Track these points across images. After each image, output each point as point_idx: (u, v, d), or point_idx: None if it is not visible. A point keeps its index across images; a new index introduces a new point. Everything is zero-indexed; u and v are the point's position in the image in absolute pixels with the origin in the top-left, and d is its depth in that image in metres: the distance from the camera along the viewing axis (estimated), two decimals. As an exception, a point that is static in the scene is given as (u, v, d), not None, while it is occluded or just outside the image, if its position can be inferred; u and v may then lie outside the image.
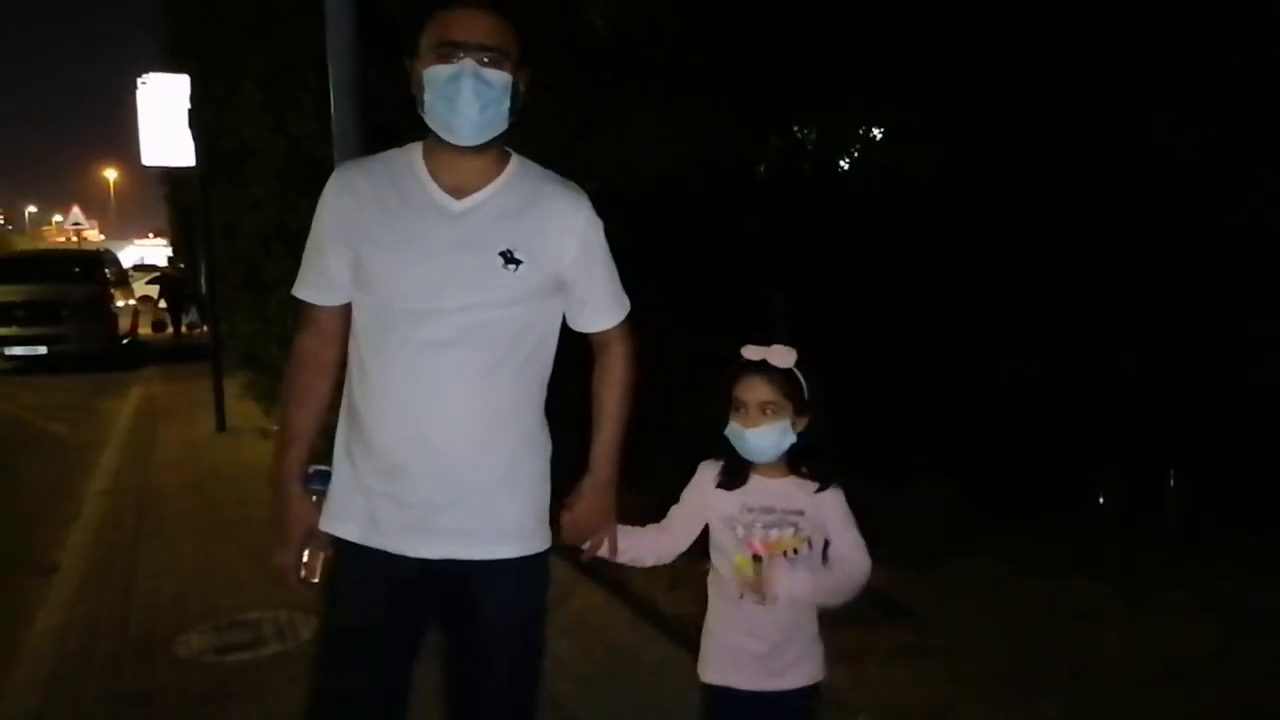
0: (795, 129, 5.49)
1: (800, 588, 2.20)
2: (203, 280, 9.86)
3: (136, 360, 15.16)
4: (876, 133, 5.68)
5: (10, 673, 3.97)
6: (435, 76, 1.91)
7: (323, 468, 2.12)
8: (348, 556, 2.05)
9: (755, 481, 2.25)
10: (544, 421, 2.11)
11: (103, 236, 55.47)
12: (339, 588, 2.08)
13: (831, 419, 2.27)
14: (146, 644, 4.14)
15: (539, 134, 5.13)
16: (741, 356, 2.24)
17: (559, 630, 4.13)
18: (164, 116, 9.37)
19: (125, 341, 16.59)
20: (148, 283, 27.14)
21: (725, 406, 2.25)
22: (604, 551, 2.25)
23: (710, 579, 2.32)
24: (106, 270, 17.19)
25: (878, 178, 5.48)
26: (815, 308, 5.91)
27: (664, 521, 2.35)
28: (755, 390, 2.19)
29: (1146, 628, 4.20)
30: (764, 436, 2.19)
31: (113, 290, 16.42)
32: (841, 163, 5.86)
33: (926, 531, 5.41)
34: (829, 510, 2.24)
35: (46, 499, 7.05)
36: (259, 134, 6.37)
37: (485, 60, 1.91)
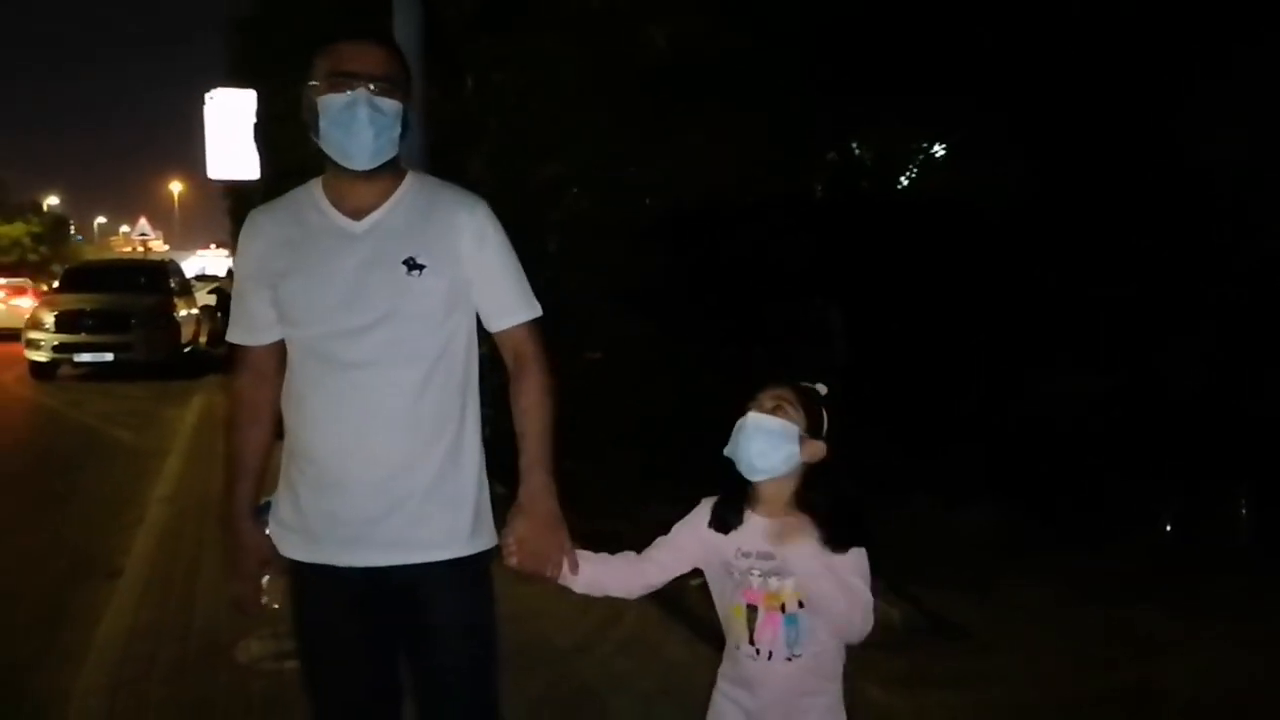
0: (854, 146, 5.47)
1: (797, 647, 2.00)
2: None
3: (198, 369, 15.47)
4: (939, 149, 5.63)
5: (79, 675, 4.07)
6: (330, 105, 2.00)
7: (271, 499, 2.21)
8: (299, 575, 2.14)
9: (754, 522, 2.07)
10: (477, 427, 2.16)
11: (167, 247, 56.81)
12: (299, 606, 2.18)
13: (846, 464, 2.08)
14: (208, 649, 4.21)
15: (600, 150, 5.23)
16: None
17: (617, 647, 4.15)
18: (229, 131, 9.62)
19: (188, 350, 16.95)
20: (209, 292, 27.75)
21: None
22: (564, 576, 2.13)
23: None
24: (171, 280, 17.60)
25: (935, 193, 5.42)
26: (871, 324, 5.85)
27: (646, 551, 2.20)
28: (773, 388, 2.08)
29: (1212, 658, 4.08)
30: (767, 429, 2.01)
31: (177, 300, 16.81)
32: (901, 179, 5.81)
33: (980, 551, 5.32)
34: (842, 570, 1.99)
35: (112, 504, 7.22)
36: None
37: (376, 89, 2.01)
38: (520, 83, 4.72)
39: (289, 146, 8.68)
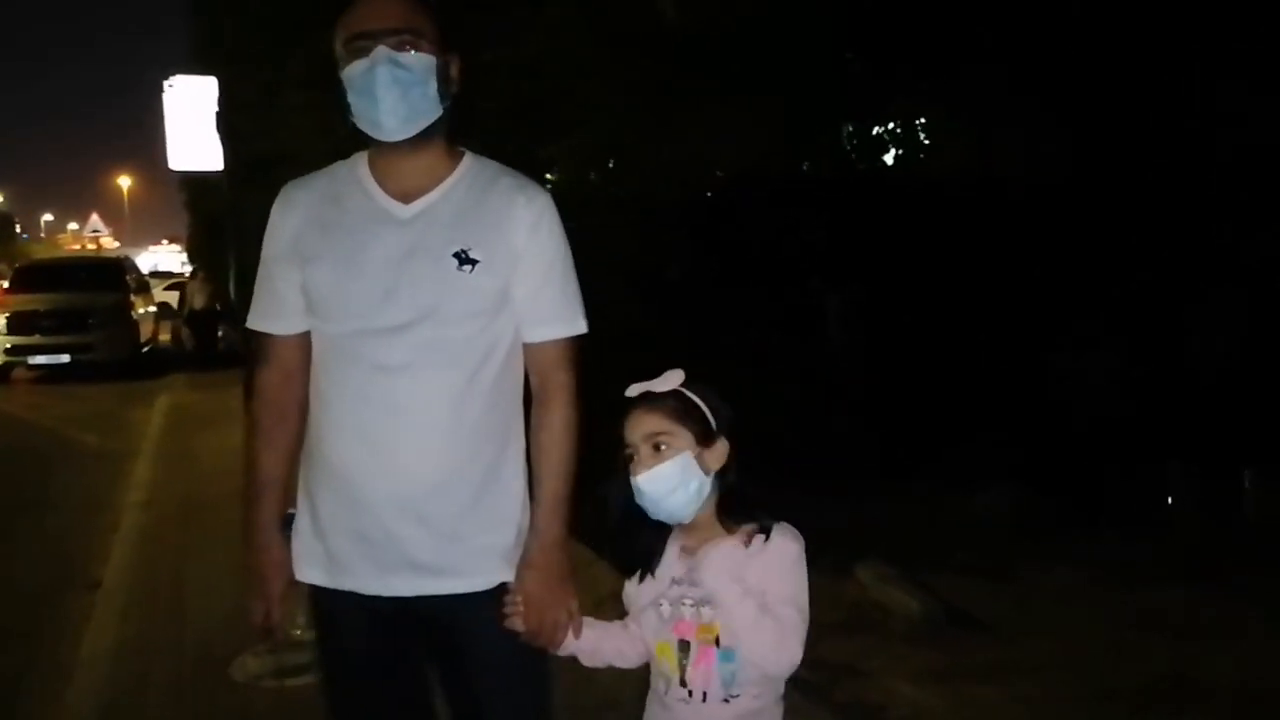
0: (871, 124, 5.32)
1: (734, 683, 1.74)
2: (231, 286, 9.75)
3: (160, 368, 15.07)
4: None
5: (62, 696, 3.84)
6: (352, 74, 1.79)
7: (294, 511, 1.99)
8: (321, 600, 1.94)
9: (681, 548, 1.80)
10: (521, 442, 1.92)
11: (118, 243, 55.74)
12: (321, 631, 1.98)
13: (747, 442, 1.80)
14: (202, 666, 3.99)
15: (609, 129, 5.06)
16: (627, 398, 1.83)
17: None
18: (190, 121, 9.28)
19: (147, 349, 16.52)
20: (165, 288, 27.15)
21: (623, 469, 1.80)
22: (566, 644, 1.89)
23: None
24: (128, 277, 17.13)
25: (950, 171, 5.29)
26: (876, 307, 5.73)
27: (628, 617, 1.90)
28: (640, 424, 1.76)
29: (1250, 642, 3.99)
30: (663, 478, 1.73)
31: (134, 297, 16.35)
32: (920, 155, 5.68)
33: (995, 538, 5.24)
34: (771, 565, 1.72)
35: (84, 510, 6.94)
36: (299, 136, 6.24)
37: (396, 43, 1.78)
38: (517, 58, 4.51)
39: (253, 136, 8.40)
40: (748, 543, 1.74)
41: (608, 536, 1.88)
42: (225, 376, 11.97)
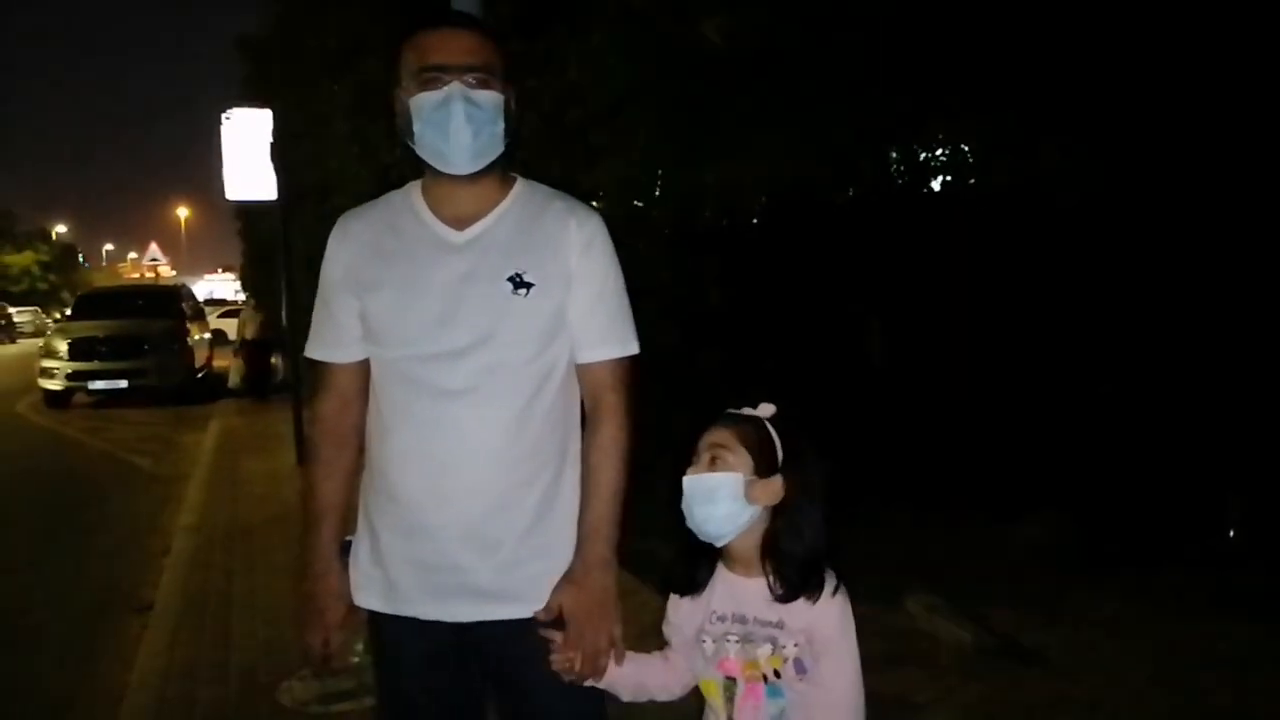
0: (914, 146, 5.28)
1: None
2: (283, 314, 9.89)
3: (212, 393, 15.33)
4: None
5: (113, 719, 3.87)
6: (422, 104, 1.80)
7: (352, 538, 2.00)
8: (380, 626, 1.95)
9: (725, 580, 1.81)
10: (576, 467, 1.90)
11: (175, 272, 56.91)
12: (379, 657, 1.99)
13: (831, 509, 1.77)
14: (248, 691, 4.01)
15: (653, 153, 5.07)
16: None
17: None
18: (246, 151, 9.47)
19: (201, 375, 16.82)
20: (220, 316, 27.70)
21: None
22: (609, 674, 1.85)
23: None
24: (184, 304, 17.51)
25: (996, 192, 5.21)
26: (917, 332, 5.65)
27: (666, 649, 1.90)
28: (712, 434, 1.80)
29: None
30: (701, 486, 1.75)
31: (189, 324, 16.70)
32: (964, 178, 5.61)
33: (1045, 569, 5.12)
34: (821, 624, 1.72)
35: (136, 533, 7.06)
36: (345, 164, 6.34)
37: (472, 81, 1.79)
38: (558, 86, 4.55)
39: (304, 165, 8.57)
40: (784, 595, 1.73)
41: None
42: (273, 402, 12.15)
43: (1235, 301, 5.46)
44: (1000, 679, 3.91)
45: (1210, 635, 4.26)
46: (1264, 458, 5.48)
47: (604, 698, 1.94)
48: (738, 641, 1.75)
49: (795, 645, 1.71)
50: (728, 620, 1.77)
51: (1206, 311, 5.71)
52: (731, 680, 1.76)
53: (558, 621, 1.83)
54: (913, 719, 3.63)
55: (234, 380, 15.67)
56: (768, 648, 1.73)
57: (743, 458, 1.75)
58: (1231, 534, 5.67)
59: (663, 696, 1.91)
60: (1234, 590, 4.71)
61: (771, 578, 1.75)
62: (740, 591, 1.77)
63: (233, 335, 18.69)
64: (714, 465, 1.76)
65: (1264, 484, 5.52)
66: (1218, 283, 5.58)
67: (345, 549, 1.97)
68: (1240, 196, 5.00)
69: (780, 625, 1.73)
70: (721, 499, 1.74)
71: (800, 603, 1.72)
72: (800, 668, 1.72)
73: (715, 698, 1.78)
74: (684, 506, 1.78)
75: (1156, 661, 4.05)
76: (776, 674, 1.73)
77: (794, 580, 1.73)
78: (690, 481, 1.77)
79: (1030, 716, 3.63)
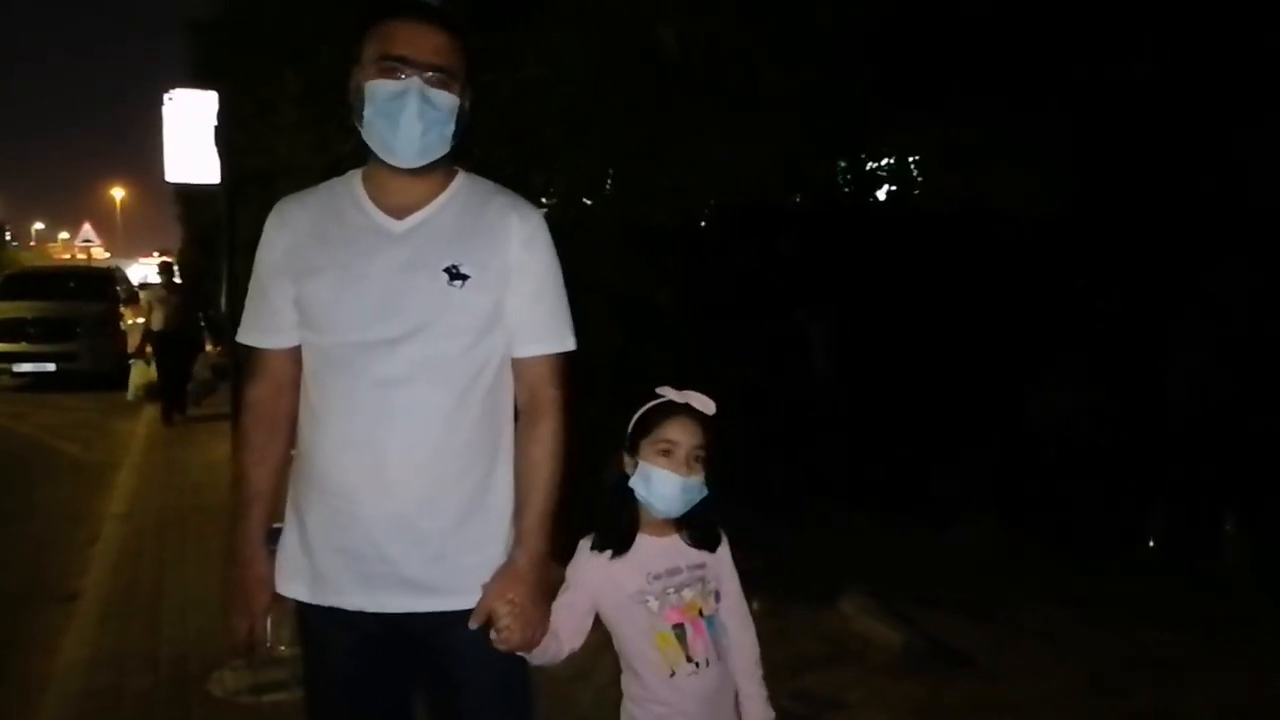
0: (862, 156, 5.37)
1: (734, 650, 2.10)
2: (223, 299, 9.70)
3: (146, 379, 14.95)
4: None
5: (36, 708, 3.79)
6: (377, 91, 1.81)
7: (280, 525, 1.99)
8: (306, 616, 1.94)
9: (644, 543, 2.03)
10: (509, 461, 1.92)
11: (108, 254, 55.42)
12: (306, 647, 1.99)
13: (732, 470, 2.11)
14: (178, 682, 3.95)
15: (607, 153, 5.08)
16: (659, 396, 2.06)
17: (613, 675, 3.95)
18: (188, 133, 9.25)
19: (133, 360, 16.41)
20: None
21: (632, 448, 2.04)
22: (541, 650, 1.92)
23: (625, 677, 2.06)
24: (117, 288, 17.08)
25: (942, 205, 5.33)
26: (860, 338, 5.74)
27: (568, 594, 2.03)
28: (690, 434, 2.00)
29: (1232, 682, 3.99)
30: (694, 489, 2.00)
31: (123, 308, 16.30)
32: (910, 189, 5.72)
33: (974, 573, 5.23)
34: (722, 554, 2.11)
35: (64, 521, 6.88)
36: (295, 152, 6.25)
37: (433, 80, 1.80)
38: (513, 81, 4.53)
39: (249, 151, 8.41)
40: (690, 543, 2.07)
41: (597, 514, 2.07)
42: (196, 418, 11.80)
43: (1156, 317, 5.64)
44: (928, 679, 4.00)
45: (1132, 638, 4.41)
46: (1185, 469, 5.68)
47: (532, 692, 1.95)
48: (677, 591, 2.01)
49: (715, 578, 2.06)
50: (663, 576, 2.01)
51: (1130, 327, 5.90)
52: (680, 626, 1.99)
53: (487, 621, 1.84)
54: (844, 718, 3.69)
55: (134, 388, 11.86)
56: (699, 586, 2.03)
57: (704, 460, 2.02)
58: (1151, 544, 5.87)
59: (568, 648, 1.98)
60: (1153, 595, 4.87)
61: (684, 532, 2.05)
62: (666, 548, 2.03)
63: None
64: (697, 464, 2.00)
65: (1185, 494, 5.72)
66: (1142, 298, 5.76)
67: (272, 537, 1.96)
68: (1180, 204, 5.15)
69: (703, 565, 2.05)
70: (697, 494, 2.01)
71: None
72: (718, 597, 2.06)
73: (670, 646, 1.98)
74: (657, 494, 2.00)
75: (1081, 664, 4.18)
76: (715, 602, 2.04)
77: (710, 532, 2.08)
78: (685, 485, 1.99)
79: (956, 715, 3.72)
